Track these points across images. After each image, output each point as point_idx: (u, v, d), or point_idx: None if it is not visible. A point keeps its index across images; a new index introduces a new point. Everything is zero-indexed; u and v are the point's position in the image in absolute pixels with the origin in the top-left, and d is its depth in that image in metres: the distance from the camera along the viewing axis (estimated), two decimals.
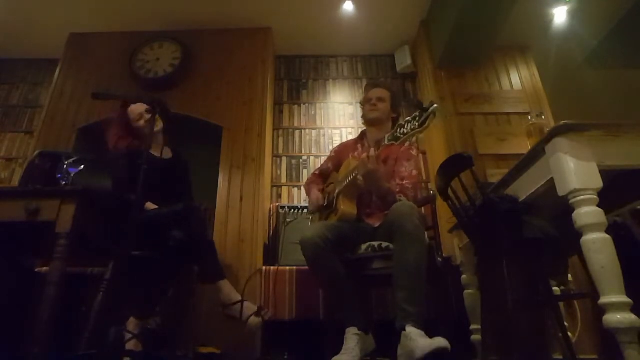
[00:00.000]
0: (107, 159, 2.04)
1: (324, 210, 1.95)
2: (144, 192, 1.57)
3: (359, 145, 2.07)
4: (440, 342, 1.23)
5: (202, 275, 1.83)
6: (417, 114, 1.47)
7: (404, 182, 1.80)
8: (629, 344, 1.00)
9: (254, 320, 1.69)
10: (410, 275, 1.44)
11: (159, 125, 2.08)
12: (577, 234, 1.13)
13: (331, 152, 2.23)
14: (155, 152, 2.09)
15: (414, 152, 1.94)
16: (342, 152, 2.12)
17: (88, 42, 3.43)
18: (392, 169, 1.89)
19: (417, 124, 1.46)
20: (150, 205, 1.91)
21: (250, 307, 1.72)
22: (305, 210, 2.73)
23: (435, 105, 1.42)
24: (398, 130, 1.53)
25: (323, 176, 2.16)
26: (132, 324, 1.78)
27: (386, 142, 1.59)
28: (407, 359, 1.30)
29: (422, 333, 1.32)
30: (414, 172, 1.84)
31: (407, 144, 1.72)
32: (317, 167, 3.14)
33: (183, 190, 2.15)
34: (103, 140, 2.15)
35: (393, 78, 3.66)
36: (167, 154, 2.18)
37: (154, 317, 1.89)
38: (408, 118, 1.51)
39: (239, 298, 1.74)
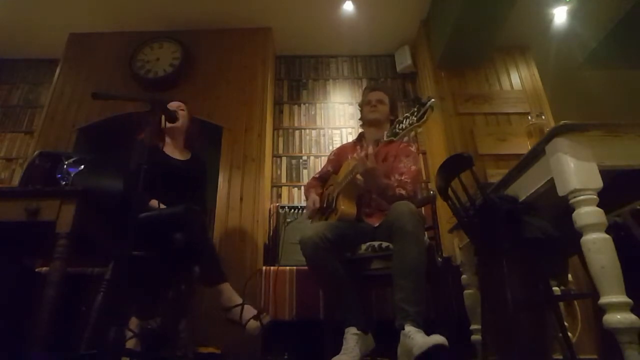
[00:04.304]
0: (111, 155, 2.06)
1: (324, 210, 1.95)
2: (151, 190, 1.58)
3: (358, 147, 2.08)
4: (438, 339, 1.23)
5: (203, 278, 1.83)
6: (415, 109, 1.48)
7: (403, 177, 1.80)
8: (629, 344, 1.00)
9: (253, 324, 1.68)
10: (410, 275, 1.44)
11: (179, 124, 2.13)
12: (577, 234, 1.13)
13: (330, 154, 2.23)
14: (172, 153, 2.12)
15: (413, 149, 1.95)
16: (341, 155, 2.12)
17: (88, 42, 3.43)
18: (391, 165, 1.90)
19: (415, 118, 1.47)
20: (154, 203, 1.91)
21: (249, 311, 1.72)
22: (305, 210, 2.73)
23: (433, 100, 1.43)
24: (397, 126, 1.54)
25: (323, 180, 2.16)
26: (133, 323, 1.79)
27: (385, 139, 1.60)
28: (406, 357, 1.30)
29: (421, 331, 1.33)
30: (413, 168, 1.85)
31: (405, 139, 1.73)
32: (317, 169, 3.17)
33: (193, 192, 2.15)
34: (113, 135, 2.16)
35: (393, 78, 3.66)
36: (184, 156, 2.19)
37: (154, 317, 1.89)
38: (406, 114, 1.51)
39: (240, 301, 1.74)
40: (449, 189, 1.62)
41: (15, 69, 3.73)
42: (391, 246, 1.60)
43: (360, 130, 2.21)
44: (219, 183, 2.83)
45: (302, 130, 3.43)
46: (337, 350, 1.49)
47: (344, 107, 3.53)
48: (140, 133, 2.11)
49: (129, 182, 1.77)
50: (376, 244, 1.68)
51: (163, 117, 1.79)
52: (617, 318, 1.01)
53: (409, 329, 1.33)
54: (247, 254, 2.58)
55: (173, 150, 2.15)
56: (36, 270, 1.90)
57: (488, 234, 1.49)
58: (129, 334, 1.70)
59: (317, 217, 2.01)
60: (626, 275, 1.04)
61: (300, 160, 3.31)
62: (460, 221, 1.67)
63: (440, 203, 2.10)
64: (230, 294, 1.76)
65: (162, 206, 1.86)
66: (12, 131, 3.44)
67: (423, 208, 2.10)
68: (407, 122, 1.50)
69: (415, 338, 1.28)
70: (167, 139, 2.15)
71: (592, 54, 3.38)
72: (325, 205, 1.95)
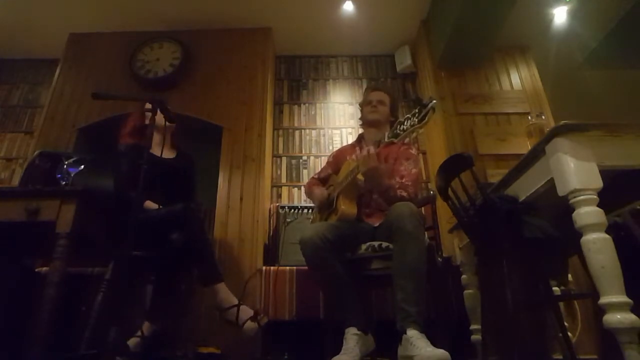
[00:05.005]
0: (110, 155, 2.06)
1: (325, 210, 1.95)
2: (145, 190, 1.59)
3: (357, 148, 2.07)
4: (442, 354, 1.22)
5: (200, 277, 1.83)
6: (417, 110, 1.47)
7: (403, 180, 1.80)
8: (629, 344, 1.00)
9: (250, 325, 1.68)
10: (410, 275, 1.44)
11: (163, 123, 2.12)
12: (577, 234, 1.13)
13: (329, 157, 2.22)
14: (158, 152, 2.11)
15: (413, 152, 1.94)
16: (339, 157, 2.11)
17: (88, 42, 3.43)
18: (392, 167, 1.89)
19: (416, 120, 1.46)
20: (150, 204, 1.91)
21: (246, 312, 1.71)
22: (306, 210, 2.73)
23: (434, 101, 1.42)
24: (398, 127, 1.54)
25: (323, 180, 2.16)
26: (146, 326, 1.80)
27: (386, 140, 1.60)
28: None
29: (424, 337, 1.32)
30: (413, 171, 1.85)
31: (406, 140, 1.72)
32: (317, 169, 3.17)
33: (186, 189, 2.15)
34: (113, 135, 2.17)
35: (393, 78, 3.66)
36: (171, 153, 2.19)
37: (164, 317, 1.90)
38: (407, 115, 1.51)
39: (236, 302, 1.73)
40: (449, 189, 1.62)
41: (15, 69, 3.72)
42: (391, 246, 1.60)
43: (360, 130, 2.20)
44: (219, 183, 2.83)
45: (302, 130, 3.43)
46: (337, 350, 1.49)
47: (344, 107, 3.53)
48: (119, 134, 2.12)
49: (120, 184, 1.77)
50: (376, 244, 1.68)
51: (163, 117, 1.79)
52: (617, 318, 1.01)
53: (412, 333, 1.33)
54: (247, 254, 2.58)
55: (160, 150, 2.15)
56: (36, 270, 1.91)
57: (488, 234, 1.49)
58: (137, 334, 1.71)
59: (317, 216, 2.02)
60: (626, 275, 1.04)
61: (300, 160, 3.31)
62: (460, 221, 1.67)
63: (440, 203, 2.10)
64: (226, 294, 1.75)
65: (153, 205, 1.87)
66: (12, 131, 3.43)
67: (423, 208, 2.10)
68: (409, 123, 1.49)
69: (418, 346, 1.27)
70: (156, 139, 2.13)
71: (592, 54, 3.38)
72: (325, 205, 1.95)
